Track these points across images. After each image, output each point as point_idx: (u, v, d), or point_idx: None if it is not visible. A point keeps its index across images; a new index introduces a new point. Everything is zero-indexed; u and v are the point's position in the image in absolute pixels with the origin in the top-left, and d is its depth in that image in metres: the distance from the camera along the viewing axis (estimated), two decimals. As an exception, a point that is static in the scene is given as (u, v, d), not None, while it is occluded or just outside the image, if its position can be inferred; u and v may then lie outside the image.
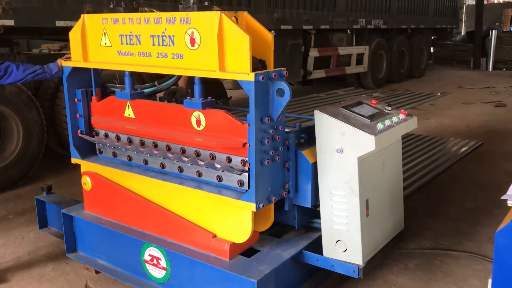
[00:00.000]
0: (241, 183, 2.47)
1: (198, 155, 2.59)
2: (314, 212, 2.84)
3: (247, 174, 2.43)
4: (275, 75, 2.34)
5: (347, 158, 2.48)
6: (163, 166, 2.77)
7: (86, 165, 3.12)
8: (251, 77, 2.25)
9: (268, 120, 2.36)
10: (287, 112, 2.86)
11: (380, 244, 2.75)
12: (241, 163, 2.42)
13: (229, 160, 2.48)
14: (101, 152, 3.11)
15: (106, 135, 3.02)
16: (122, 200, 2.99)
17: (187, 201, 2.70)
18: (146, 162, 2.85)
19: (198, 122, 2.56)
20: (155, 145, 2.77)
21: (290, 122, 3.05)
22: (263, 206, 2.41)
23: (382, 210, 2.77)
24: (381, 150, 2.68)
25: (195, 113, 2.55)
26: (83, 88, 3.05)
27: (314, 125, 2.56)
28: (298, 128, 2.70)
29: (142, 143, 2.83)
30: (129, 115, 2.87)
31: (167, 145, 2.72)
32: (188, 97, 2.61)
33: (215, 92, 2.63)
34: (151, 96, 3.01)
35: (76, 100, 3.04)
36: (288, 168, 2.56)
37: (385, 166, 2.75)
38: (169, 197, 2.78)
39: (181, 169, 2.70)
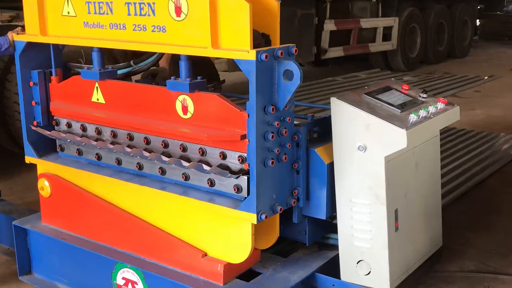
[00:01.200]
0: (238, 189, 2.47)
1: (184, 149, 2.59)
2: (329, 226, 2.86)
3: (246, 177, 2.43)
4: (281, 53, 2.33)
5: (371, 157, 2.48)
6: (140, 166, 2.78)
7: (43, 165, 3.13)
8: (251, 55, 2.25)
9: (273, 109, 2.35)
10: (297, 100, 2.84)
11: (413, 265, 2.77)
12: (239, 160, 2.43)
13: (224, 156, 2.49)
14: (62, 149, 3.11)
15: (69, 125, 3.03)
16: (89, 209, 3.00)
17: (170, 211, 2.71)
18: (119, 161, 2.87)
19: (185, 109, 2.56)
20: (131, 138, 2.78)
21: (300, 113, 3.02)
22: (266, 217, 2.42)
23: (415, 223, 2.79)
24: (414, 148, 2.69)
25: (181, 97, 2.56)
26: (40, 69, 3.04)
27: (330, 116, 2.56)
28: (311, 120, 2.70)
29: (114, 135, 2.85)
30: (97, 99, 2.87)
31: (145, 138, 2.72)
32: (172, 78, 2.59)
33: (204, 75, 2.63)
34: (125, 79, 3.01)
35: (31, 83, 3.04)
36: (297, 170, 2.57)
37: (418, 168, 2.76)
38: (148, 206, 2.79)
39: (163, 171, 2.70)
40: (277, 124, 2.40)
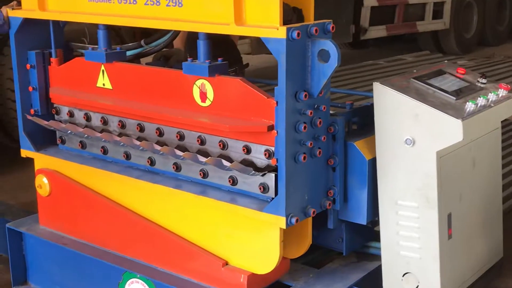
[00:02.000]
0: (264, 188, 2.48)
1: (202, 142, 2.61)
2: (370, 232, 2.86)
3: (273, 174, 2.44)
4: (316, 30, 2.32)
5: (421, 152, 2.47)
6: (152, 162, 2.80)
7: (41, 160, 3.16)
8: (281, 32, 2.25)
9: (306, 96, 2.35)
10: (333, 86, 2.83)
11: (468, 279, 2.75)
12: (265, 154, 2.44)
13: (247, 149, 2.50)
14: (63, 142, 3.14)
15: (71, 114, 3.05)
16: (93, 210, 3.02)
17: (186, 213, 2.73)
18: (127, 156, 2.88)
19: (203, 95, 2.58)
20: (141, 129, 2.80)
21: (337, 101, 3.06)
22: (296, 221, 2.41)
23: (472, 230, 2.76)
24: (471, 142, 2.67)
25: (199, 81, 2.57)
26: (39, 50, 3.07)
27: (372, 104, 2.56)
28: (349, 109, 2.70)
29: (123, 125, 2.87)
30: (103, 85, 2.90)
31: (158, 129, 2.74)
32: (189, 59, 2.60)
33: (225, 58, 2.65)
34: (134, 62, 3.03)
35: (28, 66, 3.07)
36: (333, 166, 2.57)
37: (476, 166, 2.74)
38: (160, 207, 2.81)
39: (177, 167, 2.72)
40: (310, 113, 2.40)
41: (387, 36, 9.24)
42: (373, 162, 2.56)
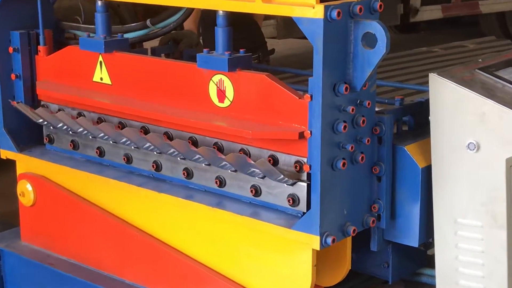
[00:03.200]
0: (294, 200, 2.49)
1: (219, 150, 2.63)
2: (423, 257, 2.84)
3: (305, 184, 2.45)
4: (360, 9, 2.31)
5: (487, 160, 2.43)
6: (157, 166, 2.83)
7: (25, 163, 3.20)
8: (318, 11, 2.24)
9: (347, 89, 2.35)
10: (379, 78, 2.83)
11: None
12: (296, 167, 2.45)
13: (275, 160, 2.51)
14: (51, 141, 3.17)
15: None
16: (85, 224, 3.05)
17: (198, 229, 2.74)
18: (128, 159, 2.91)
19: (221, 94, 2.59)
20: (146, 132, 2.81)
21: (384, 95, 3.04)
22: (333, 241, 2.41)
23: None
24: (550, 148, 2.63)
25: (216, 77, 2.59)
26: (24, 30, 3.10)
27: (427, 100, 2.55)
28: (399, 106, 2.69)
29: (123, 128, 2.87)
30: (101, 79, 2.93)
31: (166, 133, 2.76)
32: (204, 50, 2.61)
33: (247, 42, 2.63)
34: (136, 46, 3.09)
35: (11, 49, 3.11)
36: (379, 175, 2.56)
37: (555, 178, 2.71)
38: (167, 222, 2.83)
39: (189, 173, 2.74)
40: (352, 110, 2.38)
41: (443, 18, 9.20)
42: (427, 170, 2.53)
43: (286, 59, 7.32)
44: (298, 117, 2.40)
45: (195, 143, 2.69)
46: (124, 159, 2.91)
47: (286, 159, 2.48)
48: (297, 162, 2.45)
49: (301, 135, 2.39)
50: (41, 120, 3.09)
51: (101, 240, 3.00)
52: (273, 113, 2.48)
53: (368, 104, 2.44)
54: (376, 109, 2.54)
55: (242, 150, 2.58)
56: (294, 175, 2.47)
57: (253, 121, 2.52)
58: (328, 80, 2.31)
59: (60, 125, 3.02)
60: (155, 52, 3.27)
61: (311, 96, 2.33)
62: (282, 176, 2.43)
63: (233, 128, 2.55)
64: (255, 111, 2.52)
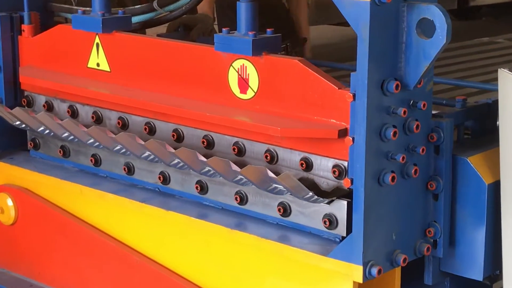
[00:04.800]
0: (331, 221, 2.46)
1: (240, 152, 2.61)
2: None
3: (345, 202, 2.43)
4: (415, -10, 2.28)
5: None
6: (164, 178, 2.81)
7: (5, 173, 3.20)
8: (363, -8, 2.20)
9: (398, 87, 2.31)
10: (436, 74, 2.81)
11: None
12: (334, 172, 2.42)
13: (307, 164, 2.48)
14: (36, 146, 3.17)
15: (49, 107, 3.06)
16: (77, 248, 3.01)
17: (213, 255, 2.72)
18: (129, 169, 2.90)
19: (244, 83, 2.57)
20: (151, 130, 2.80)
21: (442, 95, 3.03)
22: (379, 272, 2.37)
23: None
24: None
25: (238, 63, 2.57)
26: (5, 12, 3.11)
27: (495, 101, 2.52)
28: (461, 108, 2.65)
29: (124, 124, 2.87)
30: (98, 65, 2.92)
31: (175, 131, 2.73)
32: (223, 30, 2.60)
33: (274, 28, 2.68)
34: (140, 33, 3.06)
35: (-11, 34, 3.11)
36: (436, 193, 2.53)
37: None
38: (175, 246, 2.81)
39: (203, 187, 2.73)
40: (404, 113, 2.34)
41: (508, 2, 9.12)
42: (495, 187, 2.49)
43: (319, 49, 7.29)
44: (337, 111, 2.37)
45: (211, 143, 2.68)
46: (124, 169, 2.89)
47: (323, 163, 2.44)
48: (335, 166, 2.41)
49: (342, 133, 2.36)
50: (18, 123, 3.07)
51: (95, 267, 2.97)
52: (307, 106, 2.44)
53: (423, 105, 2.39)
54: (433, 111, 2.51)
55: (268, 151, 2.55)
56: (333, 183, 2.43)
57: (282, 116, 2.50)
58: (375, 75, 2.27)
59: (42, 128, 3.00)
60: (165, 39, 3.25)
61: (354, 95, 2.29)
62: (311, 194, 2.41)
63: (257, 125, 2.52)
64: (285, 103, 2.49)
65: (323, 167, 2.44)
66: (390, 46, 2.30)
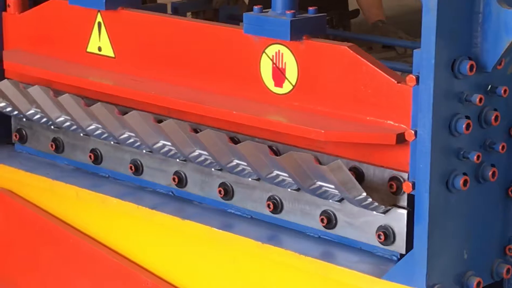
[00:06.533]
0: (386, 235, 2.47)
1: (276, 155, 2.56)
2: None
3: (404, 212, 2.43)
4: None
5: None
6: (180, 180, 2.82)
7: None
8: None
9: (472, 69, 2.29)
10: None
11: None
12: (390, 186, 2.42)
13: (358, 175, 2.48)
14: (23, 139, 3.21)
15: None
16: (72, 262, 3.04)
17: (241, 275, 2.73)
18: (137, 167, 2.91)
19: (279, 74, 2.58)
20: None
21: None
22: (445, 300, 2.28)
23: None
24: None
25: (273, 49, 2.56)
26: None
27: None
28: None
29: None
30: (100, 49, 2.95)
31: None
32: (255, 8, 2.60)
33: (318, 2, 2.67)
34: (149, 1, 3.01)
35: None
36: (517, 200, 2.43)
37: None
38: (194, 262, 2.82)
39: (227, 190, 2.72)
40: (480, 101, 2.31)
41: None
42: None
43: (363, 27, 7.28)
44: (396, 110, 2.37)
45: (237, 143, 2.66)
46: (131, 167, 2.90)
47: (377, 174, 2.45)
48: (393, 178, 2.39)
49: (401, 138, 2.33)
50: (2, 104, 3.06)
51: (93, 285, 2.98)
52: (358, 104, 2.44)
53: (504, 91, 2.37)
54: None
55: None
56: (388, 199, 2.39)
57: (326, 115, 2.49)
58: (444, 54, 2.25)
59: (31, 112, 2.96)
60: (177, 9, 3.23)
61: (417, 79, 2.26)
62: (365, 195, 2.39)
63: (295, 126, 2.51)
64: (330, 100, 2.49)
65: (377, 179, 2.43)
66: (463, 17, 2.28)
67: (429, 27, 2.22)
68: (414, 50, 2.29)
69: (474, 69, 2.28)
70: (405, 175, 2.36)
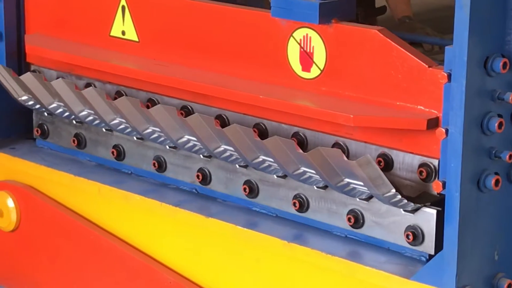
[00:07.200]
0: (415, 235, 2.47)
1: (301, 144, 2.60)
2: None
3: (434, 211, 2.44)
4: None
5: None
6: (204, 177, 2.83)
7: (5, 166, 3.26)
8: None
9: (505, 66, 2.28)
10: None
11: None
12: (421, 172, 2.42)
13: (387, 162, 2.49)
14: (44, 134, 3.21)
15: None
16: (93, 260, 3.04)
17: (266, 274, 2.72)
18: (160, 164, 2.92)
19: (307, 59, 2.59)
20: (187, 115, 2.77)
21: None
22: (476, 302, 2.29)
23: None
24: None
25: (300, 32, 2.58)
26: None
27: None
28: None
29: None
30: (123, 33, 2.97)
31: (219, 117, 2.76)
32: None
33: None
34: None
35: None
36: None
37: None
38: (218, 261, 2.83)
39: (252, 188, 2.73)
40: (512, 98, 2.22)
41: None
42: None
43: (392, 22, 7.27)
44: (426, 95, 2.37)
45: (264, 132, 2.69)
46: (154, 164, 2.90)
47: (406, 161, 2.45)
48: (423, 165, 2.40)
49: (432, 124, 2.35)
50: (25, 98, 3.04)
51: (115, 284, 2.96)
52: (388, 89, 2.45)
53: (543, 90, 2.27)
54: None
55: (336, 145, 2.56)
56: (418, 186, 2.41)
57: (355, 100, 2.50)
58: (477, 51, 2.24)
59: (54, 105, 2.95)
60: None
61: (449, 76, 2.25)
62: (394, 192, 2.38)
63: (323, 111, 2.52)
64: (359, 85, 2.50)
65: (407, 166, 2.43)
66: (496, 14, 2.26)
67: (462, 24, 2.22)
68: (446, 47, 2.28)
69: (507, 67, 2.28)
70: (435, 162, 2.38)
